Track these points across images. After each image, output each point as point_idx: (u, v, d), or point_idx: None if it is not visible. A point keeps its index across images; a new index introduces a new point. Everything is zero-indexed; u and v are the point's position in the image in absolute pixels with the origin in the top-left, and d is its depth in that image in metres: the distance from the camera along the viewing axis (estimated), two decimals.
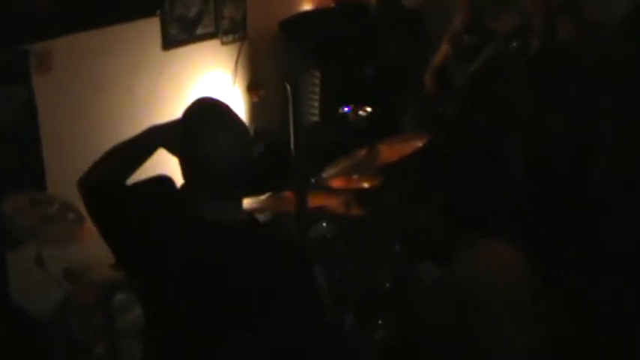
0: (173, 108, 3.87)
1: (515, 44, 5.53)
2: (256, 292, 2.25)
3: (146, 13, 5.01)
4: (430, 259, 4.48)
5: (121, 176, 2.42)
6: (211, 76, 5.64)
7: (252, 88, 5.88)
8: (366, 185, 4.60)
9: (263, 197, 3.99)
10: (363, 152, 4.40)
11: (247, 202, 4.05)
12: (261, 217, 4.67)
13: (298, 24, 6.19)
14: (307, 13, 6.40)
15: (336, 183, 4.54)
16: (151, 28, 5.10)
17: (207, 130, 2.25)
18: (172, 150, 2.35)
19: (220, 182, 2.26)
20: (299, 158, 2.98)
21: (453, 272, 3.55)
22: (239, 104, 5.94)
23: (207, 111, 2.37)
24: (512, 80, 5.54)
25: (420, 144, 4.46)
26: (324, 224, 4.51)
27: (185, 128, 2.31)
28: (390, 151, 4.41)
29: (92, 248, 3.15)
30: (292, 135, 2.97)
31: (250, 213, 2.50)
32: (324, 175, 4.39)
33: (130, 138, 2.50)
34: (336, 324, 4.11)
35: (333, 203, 4.44)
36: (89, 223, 2.68)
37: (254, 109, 6.03)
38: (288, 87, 3.07)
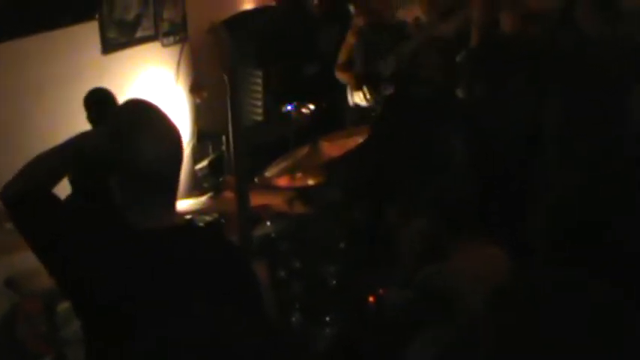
0: None
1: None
2: (192, 296, 2.24)
3: (84, 17, 4.98)
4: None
5: (46, 185, 2.36)
6: (153, 79, 5.62)
7: (195, 89, 5.87)
8: (310, 183, 4.61)
9: (204, 198, 3.99)
10: (305, 150, 4.41)
11: (189, 204, 4.06)
12: (206, 219, 4.68)
13: (239, 23, 6.18)
14: (248, 11, 6.41)
15: (281, 181, 4.54)
16: (89, 33, 5.06)
17: (135, 131, 2.19)
18: (99, 157, 2.31)
19: (150, 186, 2.22)
20: (238, 158, 2.97)
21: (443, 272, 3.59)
22: (182, 106, 5.93)
23: (135, 112, 2.30)
24: (449, 72, 5.59)
25: (361, 139, 4.47)
26: (268, 223, 4.51)
27: (112, 131, 2.26)
28: (333, 148, 4.42)
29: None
30: (231, 133, 2.96)
31: (184, 217, 2.48)
32: (267, 173, 4.38)
33: (56, 145, 2.43)
34: (282, 322, 4.12)
35: (276, 202, 4.44)
36: None
37: (197, 110, 6.02)
38: (226, 79, 3.06)
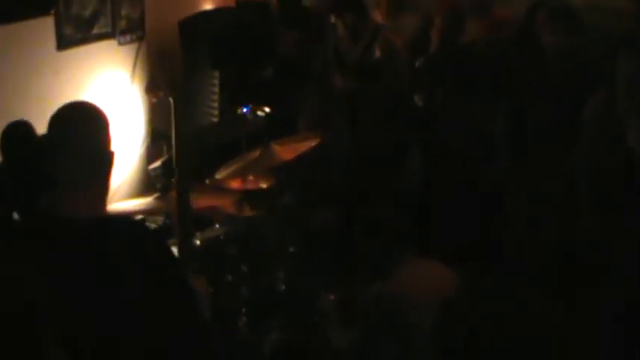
0: None
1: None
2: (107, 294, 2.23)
3: (39, 12, 4.93)
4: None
5: None
6: (108, 77, 5.57)
7: (151, 89, 5.83)
8: (262, 186, 4.61)
9: (150, 199, 3.96)
10: (257, 152, 4.41)
11: (136, 204, 4.04)
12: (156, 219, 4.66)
13: (197, 23, 6.15)
14: (207, 12, 6.37)
15: (232, 183, 4.54)
16: (44, 28, 5.01)
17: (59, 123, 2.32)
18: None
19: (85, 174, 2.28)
20: (180, 161, 2.97)
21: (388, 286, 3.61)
22: (137, 105, 5.89)
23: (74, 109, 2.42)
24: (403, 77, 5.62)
25: (313, 143, 4.47)
26: (217, 225, 4.49)
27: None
28: (284, 151, 4.42)
29: None
30: (174, 139, 2.98)
31: (107, 214, 2.45)
32: (219, 175, 4.38)
33: None
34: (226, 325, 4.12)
35: (226, 204, 4.43)
36: None
37: (152, 109, 5.98)
38: (171, 100, 3.08)
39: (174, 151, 2.97)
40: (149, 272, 2.28)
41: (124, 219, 2.63)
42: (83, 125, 2.33)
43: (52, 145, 2.32)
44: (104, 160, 2.35)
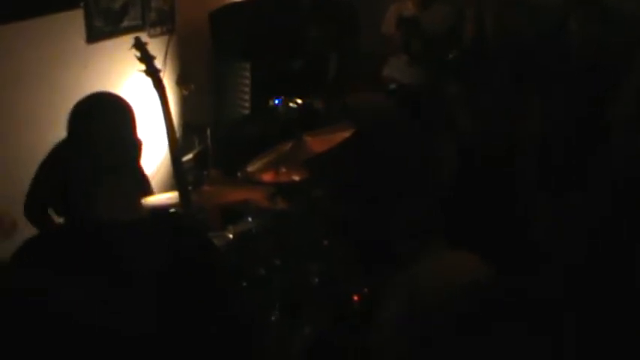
0: None
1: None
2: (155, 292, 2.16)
3: (69, 5, 4.90)
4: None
5: None
6: (138, 70, 5.53)
7: (182, 81, 5.80)
8: (294, 178, 4.54)
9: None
10: (289, 145, 4.34)
11: (166, 198, 3.98)
12: None
13: (228, 15, 6.11)
14: (237, 3, 6.34)
15: (264, 176, 4.47)
16: (74, 21, 4.98)
17: (100, 114, 2.24)
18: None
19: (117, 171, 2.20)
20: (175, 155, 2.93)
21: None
22: (168, 98, 5.85)
23: (99, 100, 2.35)
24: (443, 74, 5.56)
25: (346, 135, 4.39)
26: (250, 219, 4.44)
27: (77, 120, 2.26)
28: (317, 143, 4.34)
29: None
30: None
31: (149, 211, 2.38)
32: (250, 168, 4.31)
33: None
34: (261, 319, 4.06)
35: (258, 197, 4.37)
36: None
37: (183, 102, 5.95)
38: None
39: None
40: (185, 272, 2.23)
41: (163, 217, 2.53)
42: (109, 116, 2.26)
43: (78, 138, 2.24)
44: (132, 149, 2.28)
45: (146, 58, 3.81)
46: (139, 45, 3.85)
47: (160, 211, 2.57)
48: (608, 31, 4.92)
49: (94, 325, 2.05)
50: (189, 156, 5.83)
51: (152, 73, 3.67)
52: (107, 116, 2.24)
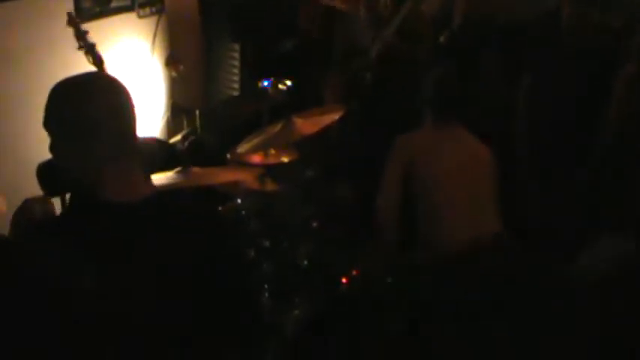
0: None
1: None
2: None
3: None
4: None
5: None
6: (128, 50, 5.52)
7: (171, 62, 5.78)
8: (284, 160, 4.54)
9: (171, 173, 3.89)
10: (278, 126, 4.33)
11: (156, 179, 3.97)
12: None
13: None
14: None
15: (253, 158, 4.47)
16: (63, 1, 4.95)
17: (91, 94, 2.09)
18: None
19: (117, 143, 2.11)
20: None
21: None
22: (157, 78, 5.84)
23: (87, 80, 2.19)
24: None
25: (337, 116, 4.38)
26: (239, 200, 4.43)
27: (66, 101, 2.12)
28: (306, 125, 4.33)
29: None
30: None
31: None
32: (240, 149, 4.30)
33: None
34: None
35: (248, 178, 4.36)
36: None
37: (172, 83, 5.94)
38: None
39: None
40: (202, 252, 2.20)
41: (169, 196, 2.47)
42: (104, 99, 2.11)
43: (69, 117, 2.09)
44: (131, 132, 2.17)
45: (80, 34, 3.81)
46: (72, 21, 3.84)
47: (165, 190, 2.49)
48: (604, 15, 4.91)
49: (107, 310, 2.03)
50: (178, 137, 5.83)
51: (88, 49, 3.67)
52: (102, 99, 2.10)
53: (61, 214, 2.79)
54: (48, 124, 2.13)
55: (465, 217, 4.19)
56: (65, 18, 4.39)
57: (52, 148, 2.15)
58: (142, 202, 2.15)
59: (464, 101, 4.41)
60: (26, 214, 3.81)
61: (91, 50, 3.87)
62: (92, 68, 4.31)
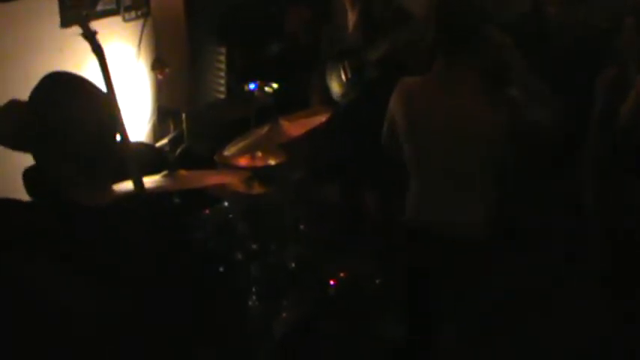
0: None
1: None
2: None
3: None
4: None
5: None
6: (114, 54, 5.50)
7: (157, 65, 5.77)
8: (270, 162, 4.55)
9: (158, 177, 3.88)
10: (265, 129, 4.33)
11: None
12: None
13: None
14: None
15: (240, 160, 4.47)
16: (48, 5, 4.94)
17: (60, 98, 2.14)
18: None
19: (81, 157, 2.12)
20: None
21: None
22: (143, 82, 5.83)
23: (57, 82, 2.23)
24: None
25: (323, 118, 4.39)
26: (226, 203, 4.44)
27: (34, 104, 2.19)
28: (293, 127, 4.33)
29: None
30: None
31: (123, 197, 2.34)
32: (227, 152, 4.31)
33: None
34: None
35: (235, 181, 4.37)
36: None
37: (158, 86, 5.92)
38: None
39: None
40: (165, 256, 2.21)
41: (140, 202, 2.48)
42: (67, 100, 2.15)
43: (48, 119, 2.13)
44: (99, 135, 2.16)
45: (89, 35, 3.79)
46: (82, 22, 3.84)
47: (134, 195, 2.50)
48: (588, 14, 4.93)
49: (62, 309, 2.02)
50: (165, 141, 5.82)
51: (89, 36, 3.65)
52: (65, 101, 2.14)
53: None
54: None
55: (439, 192, 3.68)
56: (50, 20, 4.40)
57: (28, 150, 2.16)
58: (109, 207, 2.17)
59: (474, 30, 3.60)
60: None
61: (97, 52, 3.84)
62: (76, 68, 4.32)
